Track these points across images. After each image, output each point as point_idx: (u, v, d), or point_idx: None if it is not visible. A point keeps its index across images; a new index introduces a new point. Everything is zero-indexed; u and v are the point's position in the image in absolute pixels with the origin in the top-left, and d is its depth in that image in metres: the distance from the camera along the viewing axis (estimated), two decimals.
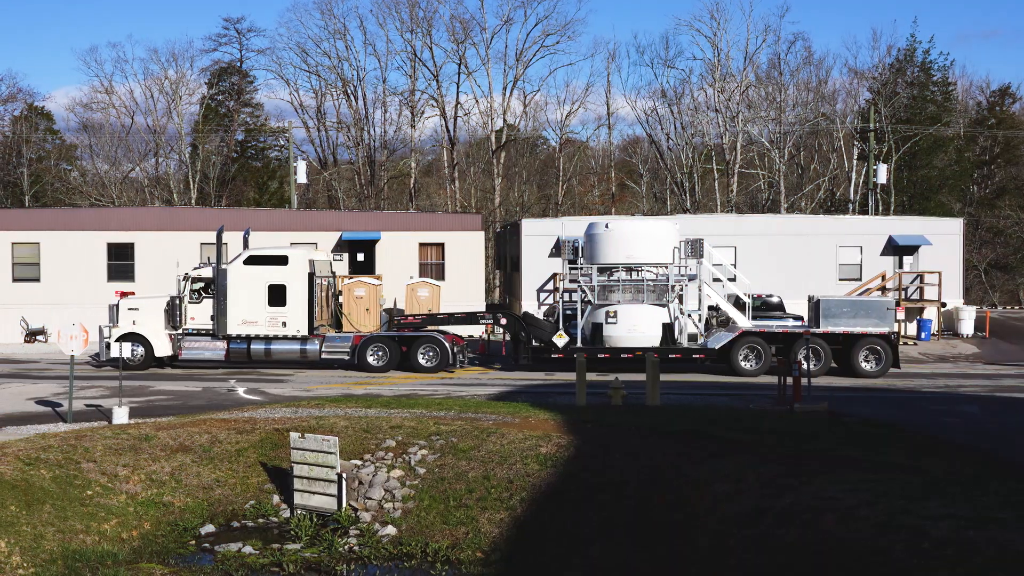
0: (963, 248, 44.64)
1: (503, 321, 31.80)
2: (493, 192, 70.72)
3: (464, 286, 42.13)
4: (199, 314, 31.00)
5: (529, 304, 42.12)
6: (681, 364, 30.30)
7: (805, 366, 25.29)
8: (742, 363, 29.82)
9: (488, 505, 15.76)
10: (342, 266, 42.71)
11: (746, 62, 71.06)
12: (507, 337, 32.27)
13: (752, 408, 22.28)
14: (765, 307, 36.25)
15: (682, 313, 31.54)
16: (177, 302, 31.05)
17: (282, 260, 31.12)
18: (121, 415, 20.33)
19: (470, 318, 32.50)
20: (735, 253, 42.86)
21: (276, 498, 17.07)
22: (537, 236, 43.22)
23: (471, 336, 36.68)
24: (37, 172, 75.90)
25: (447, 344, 30.65)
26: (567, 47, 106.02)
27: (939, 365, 32.98)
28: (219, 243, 31.07)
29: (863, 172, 63.53)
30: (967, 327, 41.21)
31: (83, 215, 44.63)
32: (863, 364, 29.28)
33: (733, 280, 34.71)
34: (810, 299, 31.21)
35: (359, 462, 17.49)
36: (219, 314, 30.52)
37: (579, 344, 31.03)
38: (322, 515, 16.41)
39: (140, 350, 30.90)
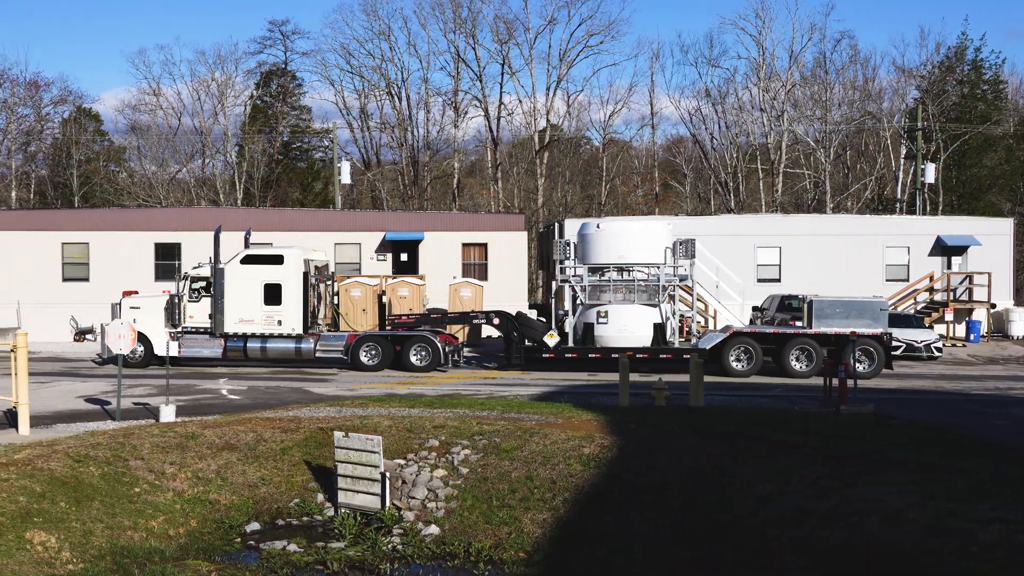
0: (1014, 248, 44.00)
1: (495, 321, 31.94)
2: (536, 192, 70.71)
3: (507, 286, 42.16)
4: (198, 313, 31.50)
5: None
6: (672, 364, 30.14)
7: (852, 367, 25.02)
8: (733, 364, 29.69)
9: (531, 505, 15.75)
10: (385, 266, 42.93)
11: (791, 61, 70.56)
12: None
13: (797, 409, 22.09)
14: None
15: (673, 314, 31.54)
16: (176, 301, 31.63)
17: (278, 259, 31.51)
18: (168, 413, 20.58)
19: (463, 318, 32.90)
20: (780, 254, 42.58)
21: (320, 497, 17.18)
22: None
23: (488, 336, 37.02)
24: (86, 173, 76.99)
25: (439, 344, 30.93)
26: (611, 47, 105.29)
27: (988, 367, 32.53)
28: (216, 243, 31.54)
29: (911, 171, 62.78)
30: (1018, 329, 40.62)
31: (131, 215, 45.22)
32: (855, 365, 28.97)
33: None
34: (804, 299, 31.09)
35: (402, 461, 17.56)
36: (216, 313, 31.02)
37: (571, 344, 31.20)
38: (366, 514, 16.49)
39: (140, 348, 31.50)
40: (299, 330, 31.19)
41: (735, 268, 42.47)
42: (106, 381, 28.06)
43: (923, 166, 55.04)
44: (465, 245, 43.49)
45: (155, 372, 30.16)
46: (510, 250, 43.23)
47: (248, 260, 31.49)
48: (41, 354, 33.00)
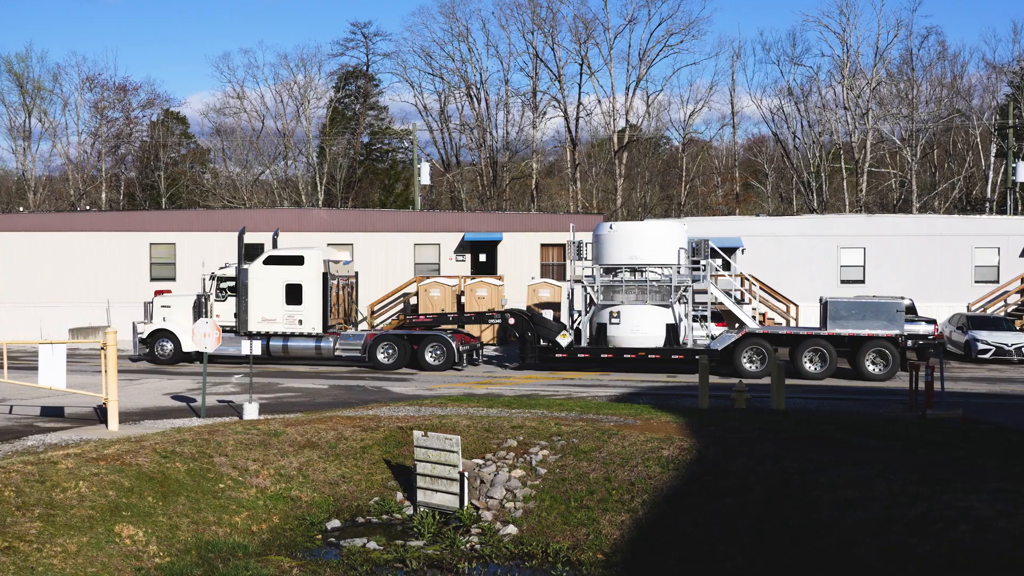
0: None
1: (511, 320, 32.15)
2: (615, 193, 70.44)
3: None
4: (224, 311, 32.53)
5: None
6: (684, 365, 30.11)
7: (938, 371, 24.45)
8: (745, 365, 29.48)
9: (609, 507, 15.68)
10: (464, 267, 43.15)
11: (876, 58, 69.25)
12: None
13: (882, 413, 21.66)
14: None
15: (686, 315, 31.37)
16: (203, 300, 32.77)
17: (298, 260, 32.16)
18: (251, 411, 20.92)
19: (480, 317, 33.21)
20: (864, 254, 41.87)
21: (399, 495, 17.30)
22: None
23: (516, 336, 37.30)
24: (173, 175, 78.77)
25: (453, 343, 31.27)
26: (691, 46, 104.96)
27: None
28: (240, 244, 32.24)
29: (1001, 170, 61.17)
30: None
31: (216, 216, 46.11)
32: (869, 367, 28.81)
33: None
34: (820, 300, 30.85)
35: (480, 461, 17.60)
36: (240, 312, 31.77)
37: (584, 344, 31.27)
38: (444, 513, 16.56)
39: (169, 346, 32.74)
40: (319, 329, 31.88)
41: (817, 269, 41.84)
42: (191, 379, 28.66)
43: (1015, 164, 53.59)
44: (544, 246, 43.51)
45: (241, 370, 30.69)
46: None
47: (270, 261, 32.26)
48: (128, 351, 33.90)
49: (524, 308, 35.01)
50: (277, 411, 22.17)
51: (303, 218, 44.82)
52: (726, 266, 38.35)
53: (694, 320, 32.15)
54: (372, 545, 15.12)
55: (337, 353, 32.13)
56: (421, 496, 16.90)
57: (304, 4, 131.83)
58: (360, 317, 34.77)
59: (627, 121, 73.54)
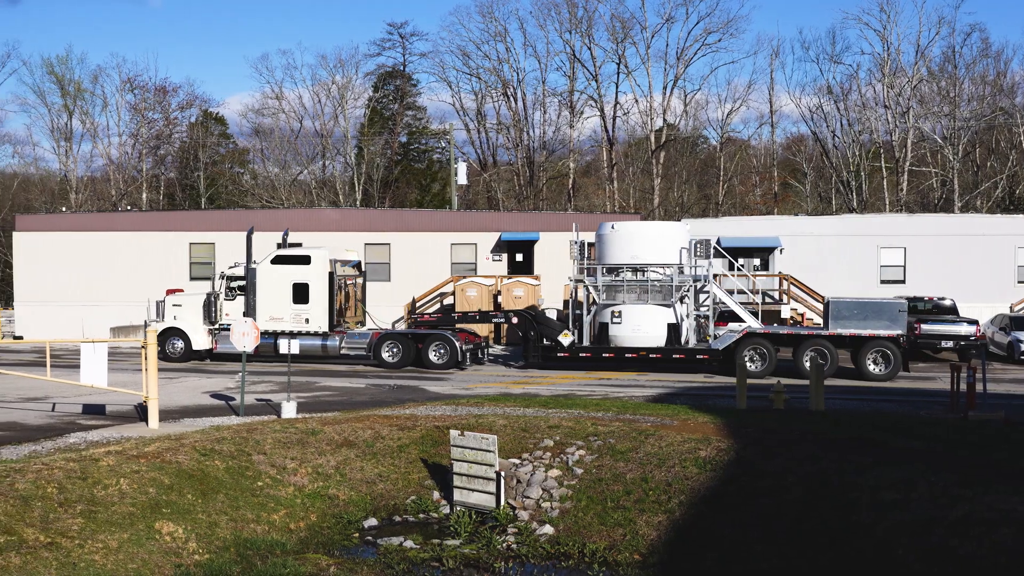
0: None
1: (514, 320, 32.32)
2: (652, 192, 70.22)
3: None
4: (233, 310, 32.79)
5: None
6: (685, 364, 30.27)
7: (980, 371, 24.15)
8: (746, 364, 29.00)
9: (646, 507, 15.62)
10: (501, 266, 43.17)
11: (918, 56, 68.52)
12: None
13: (922, 415, 21.42)
14: (936, 310, 34.89)
15: (687, 315, 31.38)
16: (213, 299, 33.19)
17: (305, 260, 32.61)
18: (289, 409, 21.05)
19: (484, 317, 33.54)
20: (904, 254, 41.48)
21: (436, 494, 17.34)
22: (697, 237, 42.65)
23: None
24: (212, 175, 79.44)
25: (457, 342, 31.46)
26: (729, 44, 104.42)
27: None
28: (248, 244, 32.60)
29: None
30: None
31: (254, 216, 46.42)
32: (870, 367, 28.72)
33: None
34: (823, 299, 30.93)
35: (517, 461, 17.60)
36: (249, 310, 32.07)
37: (586, 343, 31.41)
38: (480, 512, 16.58)
39: (180, 344, 33.19)
40: (325, 328, 32.29)
41: (856, 269, 41.49)
42: (230, 377, 28.89)
43: None
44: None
45: (278, 368, 30.91)
46: None
47: (278, 260, 32.71)
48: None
49: (528, 307, 35.22)
50: (315, 410, 22.29)
51: (341, 218, 45.00)
52: (730, 266, 38.31)
53: (696, 320, 32.31)
54: (409, 544, 15.17)
55: (343, 351, 32.40)
56: (458, 495, 16.93)
57: (341, 5, 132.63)
58: (361, 316, 34.98)
59: (664, 120, 73.28)
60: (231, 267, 33.87)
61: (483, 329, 36.58)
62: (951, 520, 12.42)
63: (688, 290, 31.53)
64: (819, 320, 40.98)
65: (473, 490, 16.77)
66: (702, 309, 32.42)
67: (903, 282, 41.18)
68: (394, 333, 32.40)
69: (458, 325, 33.06)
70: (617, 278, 31.57)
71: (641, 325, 30.78)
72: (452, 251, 43.35)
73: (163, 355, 33.25)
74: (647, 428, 18.28)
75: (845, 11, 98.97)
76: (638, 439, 17.62)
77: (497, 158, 78.30)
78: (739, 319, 31.69)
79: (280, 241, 34.53)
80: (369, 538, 15.65)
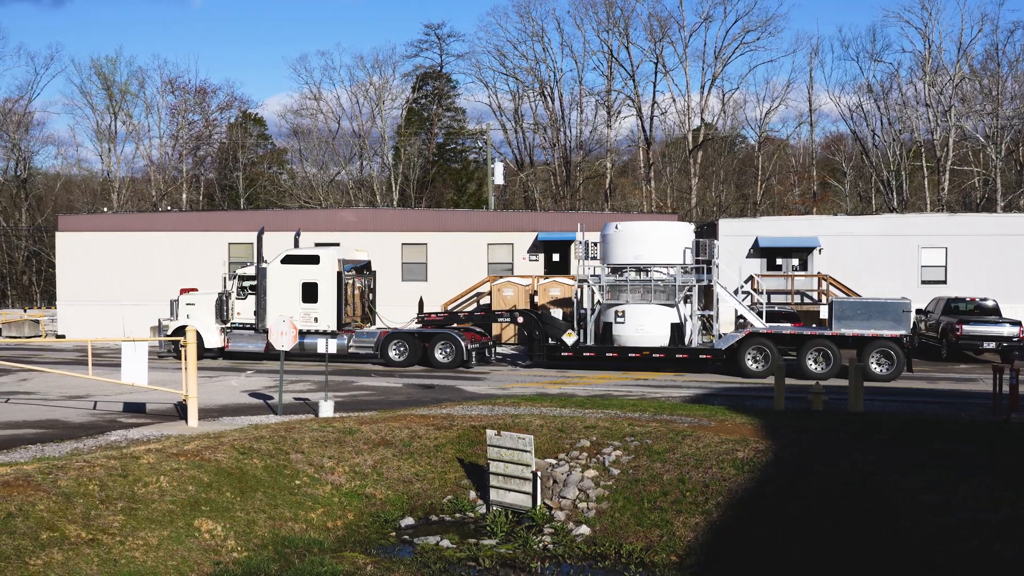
0: None
1: (520, 319, 32.55)
2: (689, 192, 69.94)
3: None
4: (244, 309, 33.30)
5: (725, 307, 41.36)
6: (688, 364, 30.38)
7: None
8: (749, 364, 29.45)
9: (683, 508, 15.56)
10: (537, 266, 43.15)
11: (960, 54, 67.72)
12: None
13: (964, 417, 21.15)
14: (978, 311, 34.43)
15: (691, 315, 31.42)
16: (224, 298, 33.56)
17: (314, 259, 33.00)
18: (327, 409, 21.16)
19: (490, 316, 33.67)
20: (946, 254, 41.02)
21: (472, 494, 17.37)
22: (734, 236, 42.47)
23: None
24: (251, 176, 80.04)
25: (462, 342, 31.63)
26: (768, 43, 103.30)
27: None
28: (259, 244, 32.88)
29: None
30: None
31: (292, 216, 46.71)
32: (874, 367, 28.46)
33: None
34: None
35: (553, 461, 17.59)
36: (259, 309, 32.46)
37: (590, 343, 31.45)
38: (517, 512, 16.59)
39: None
40: (334, 326, 32.56)
41: (897, 270, 41.08)
42: (268, 376, 29.09)
43: None
44: None
45: (315, 367, 31.08)
46: None
47: (287, 260, 33.09)
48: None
49: (533, 307, 35.44)
50: (352, 409, 22.39)
51: (378, 218, 45.15)
52: (767, 267, 38.15)
53: (701, 319, 32.43)
54: (445, 543, 15.21)
55: (351, 350, 32.66)
56: (494, 495, 16.94)
57: (379, 6, 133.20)
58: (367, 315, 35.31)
59: (702, 120, 72.95)
60: (243, 267, 34.33)
61: (500, 328, 36.75)
62: (993, 523, 12.27)
63: (691, 290, 31.63)
64: None
65: (509, 490, 16.78)
66: (706, 308, 32.61)
67: (944, 282, 40.72)
68: (401, 332, 32.60)
69: (462, 325, 33.34)
70: (621, 278, 31.70)
71: (644, 325, 30.92)
72: (488, 251, 43.38)
73: (176, 353, 33.68)
74: (684, 429, 18.20)
75: (886, 8, 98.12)
76: (675, 440, 17.55)
77: (534, 158, 78.32)
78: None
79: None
80: (406, 537, 15.70)
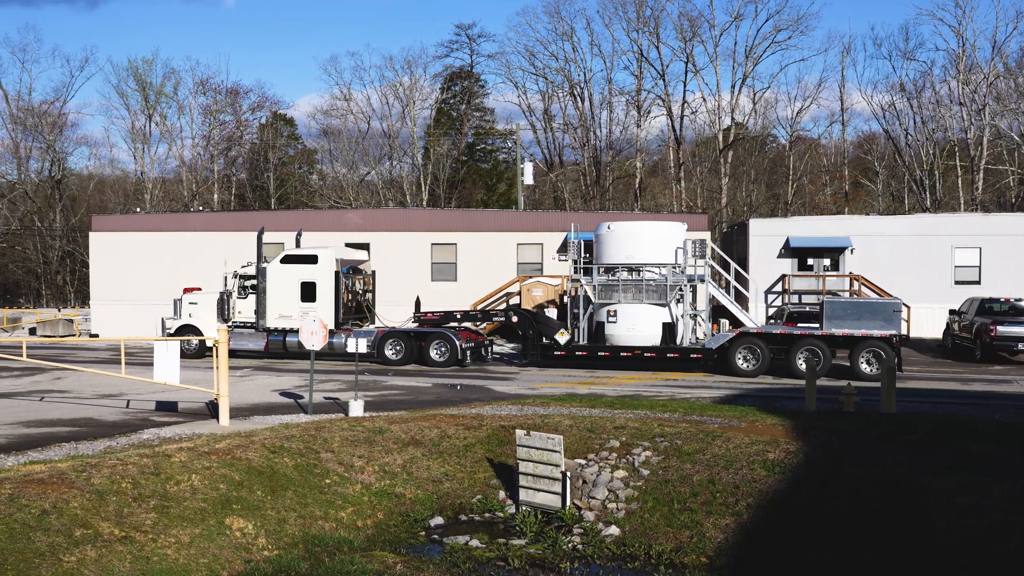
0: None
1: (514, 319, 32.72)
2: (720, 191, 69.66)
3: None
4: (245, 309, 33.90)
5: (759, 306, 41.18)
6: (680, 363, 30.52)
7: None
8: (739, 363, 29.54)
9: (713, 509, 15.49)
10: (567, 266, 43.13)
11: (994, 52, 67.07)
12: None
13: (998, 419, 20.93)
14: (1013, 311, 34.08)
15: (683, 314, 31.65)
16: (226, 297, 34.16)
17: (312, 259, 33.50)
18: (357, 408, 21.24)
19: (485, 316, 34.00)
20: (980, 254, 40.61)
21: (501, 494, 17.37)
22: (765, 236, 42.28)
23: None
24: (282, 176, 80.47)
25: (457, 340, 32.01)
26: (799, 42, 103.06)
27: None
28: (259, 244, 33.30)
29: None
30: None
31: (322, 216, 46.93)
32: (863, 367, 28.54)
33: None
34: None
35: (583, 461, 17.57)
36: (259, 308, 32.72)
37: (583, 342, 31.86)
38: (546, 512, 16.57)
39: (195, 341, 33.85)
40: (331, 325, 32.84)
41: (930, 270, 40.76)
42: (299, 376, 29.24)
43: None
44: None
45: (345, 367, 31.20)
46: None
47: (287, 260, 33.65)
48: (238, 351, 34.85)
49: (528, 307, 35.73)
50: (381, 409, 22.46)
51: (407, 218, 45.27)
52: (798, 266, 38.08)
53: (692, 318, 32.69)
54: (475, 543, 15.22)
55: (348, 349, 32.82)
56: (523, 495, 16.94)
57: (409, 7, 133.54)
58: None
59: (733, 119, 72.65)
60: (244, 266, 34.80)
61: (489, 327, 37.34)
62: None
63: (683, 289, 31.87)
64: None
65: (539, 490, 16.78)
66: (694, 308, 32.89)
67: (978, 283, 40.35)
68: (397, 331, 32.93)
69: (461, 324, 33.69)
70: (613, 277, 32.01)
71: (636, 324, 31.28)
72: (518, 251, 43.38)
73: (181, 352, 33.96)
74: (714, 430, 18.13)
75: (919, 7, 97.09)
76: (705, 440, 17.48)
77: (563, 158, 78.31)
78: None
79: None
80: (435, 537, 15.72)
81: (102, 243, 45.49)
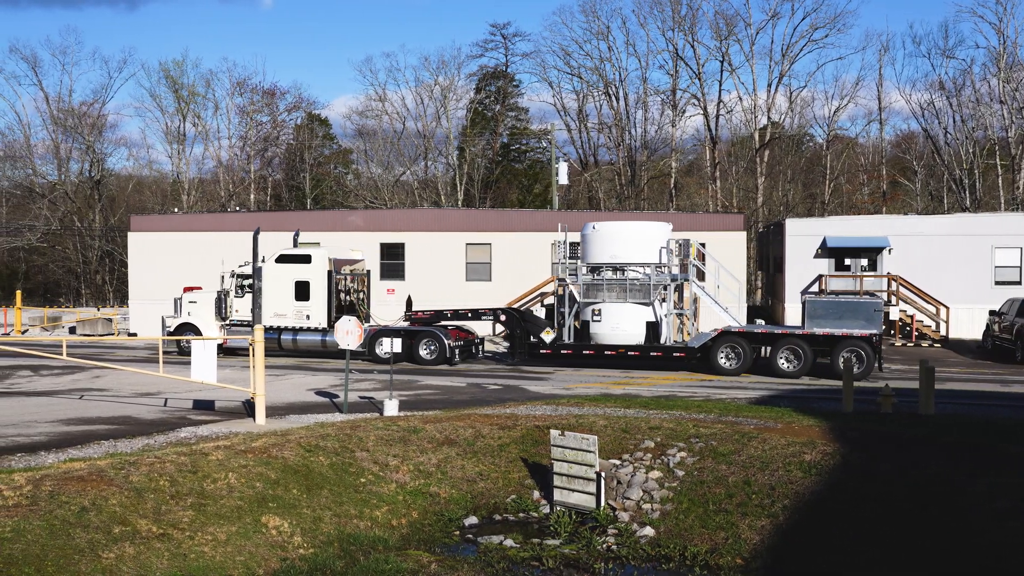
0: None
1: (503, 318, 33.32)
2: (756, 191, 69.24)
3: (724, 286, 41.45)
4: (242, 307, 34.48)
5: (793, 307, 40.91)
6: (663, 362, 30.77)
7: None
8: (722, 362, 29.70)
9: (748, 511, 15.41)
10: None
11: None
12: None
13: None
14: None
15: (667, 314, 31.88)
16: (223, 296, 34.72)
17: (306, 259, 34.02)
18: (391, 407, 21.32)
19: (474, 315, 34.22)
20: (1021, 254, 40.15)
21: (536, 494, 17.38)
22: (801, 236, 42.00)
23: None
24: (317, 176, 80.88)
25: (445, 339, 32.39)
26: (836, 40, 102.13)
27: None
28: (255, 243, 33.01)
29: None
30: None
31: (358, 217, 47.10)
32: (843, 366, 27.97)
33: None
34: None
35: (617, 461, 17.53)
36: (255, 307, 32.71)
37: (568, 340, 32.03)
38: (580, 512, 16.56)
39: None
40: (324, 324, 33.53)
41: (969, 270, 40.31)
42: (334, 375, 29.38)
43: None
44: None
45: (381, 367, 31.30)
46: (728, 250, 42.38)
47: (281, 259, 34.22)
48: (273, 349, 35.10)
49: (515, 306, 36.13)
50: (416, 408, 22.52)
51: (442, 218, 45.35)
52: (836, 266, 37.86)
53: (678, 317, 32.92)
54: (509, 543, 15.23)
55: (341, 347, 33.18)
56: (558, 495, 16.94)
57: (444, 7, 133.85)
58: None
59: (769, 118, 72.16)
60: (241, 266, 35.29)
61: (484, 327, 37.83)
62: None
63: (667, 289, 32.05)
64: (930, 323, 39.97)
65: (573, 490, 16.76)
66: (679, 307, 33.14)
67: (1019, 283, 39.86)
68: (388, 330, 33.10)
69: (452, 323, 34.02)
70: (598, 277, 32.11)
71: (620, 323, 31.41)
72: (553, 251, 43.34)
73: (178, 349, 34.51)
74: (750, 431, 18.03)
75: (958, 4, 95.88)
76: (741, 441, 17.40)
77: (598, 157, 78.12)
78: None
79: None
80: (469, 536, 15.75)
81: (140, 243, 45.95)
